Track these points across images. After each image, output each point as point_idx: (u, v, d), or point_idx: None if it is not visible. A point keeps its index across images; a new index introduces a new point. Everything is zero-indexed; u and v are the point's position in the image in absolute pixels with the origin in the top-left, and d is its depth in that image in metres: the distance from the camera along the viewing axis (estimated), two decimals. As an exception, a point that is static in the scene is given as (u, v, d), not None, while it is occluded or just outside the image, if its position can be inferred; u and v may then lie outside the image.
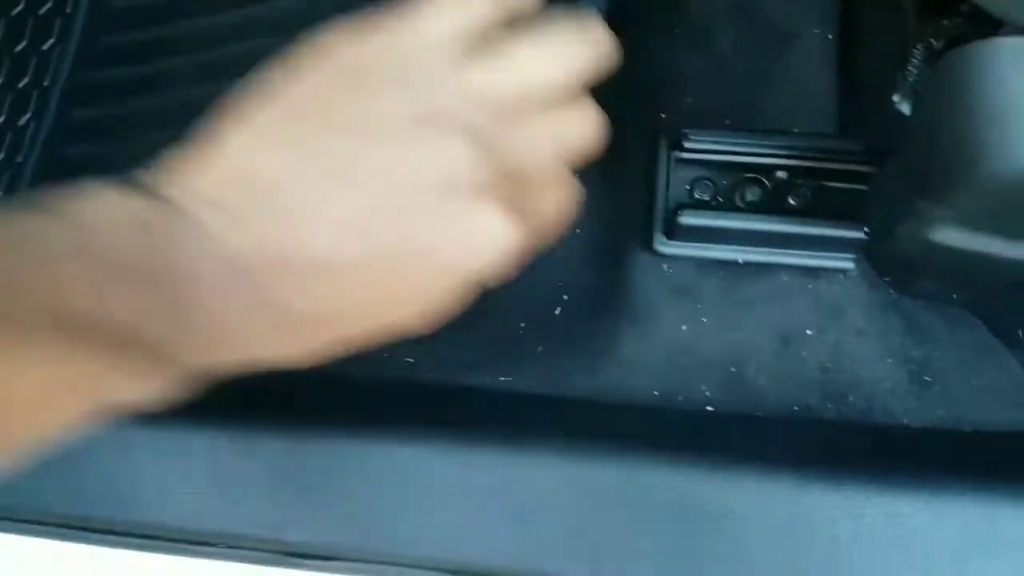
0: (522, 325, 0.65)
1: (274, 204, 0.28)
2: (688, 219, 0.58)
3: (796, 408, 0.56)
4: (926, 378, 0.57)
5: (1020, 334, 0.64)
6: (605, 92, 0.67)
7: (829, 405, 0.56)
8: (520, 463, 0.50)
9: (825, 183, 0.59)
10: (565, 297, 0.65)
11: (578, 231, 0.65)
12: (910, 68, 0.50)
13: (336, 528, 0.49)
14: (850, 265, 0.59)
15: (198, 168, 0.30)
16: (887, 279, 0.63)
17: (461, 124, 0.28)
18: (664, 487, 0.48)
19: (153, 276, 0.27)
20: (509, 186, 0.29)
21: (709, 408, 0.57)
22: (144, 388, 0.29)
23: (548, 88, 0.31)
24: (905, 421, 0.55)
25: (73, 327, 0.25)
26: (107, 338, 0.27)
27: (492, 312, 0.64)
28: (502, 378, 0.62)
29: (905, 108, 0.49)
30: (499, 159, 0.29)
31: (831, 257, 0.59)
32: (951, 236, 0.45)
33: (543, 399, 0.59)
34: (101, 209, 0.28)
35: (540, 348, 0.63)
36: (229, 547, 0.51)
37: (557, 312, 0.64)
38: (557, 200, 0.32)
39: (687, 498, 0.48)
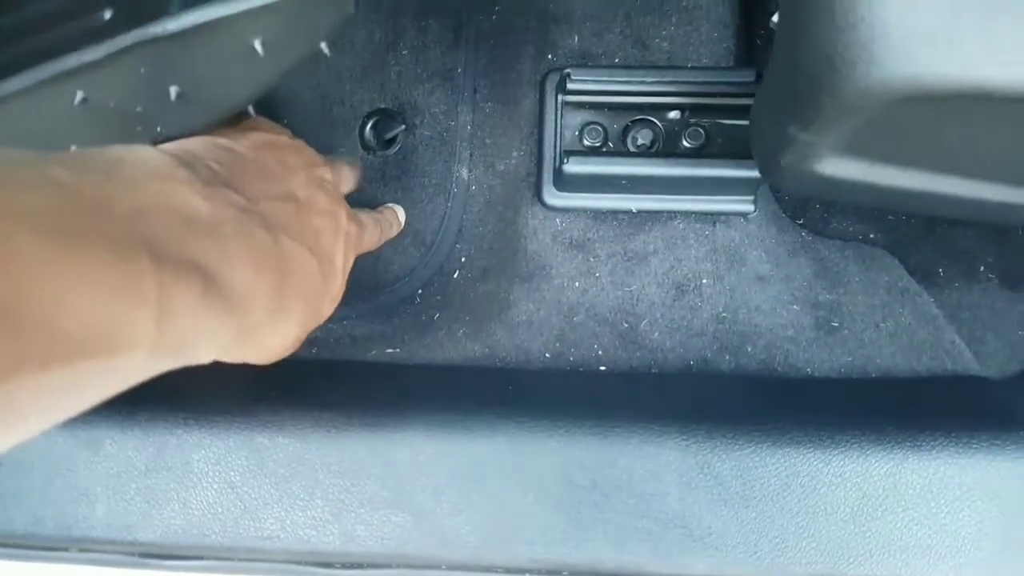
0: (419, 293, 0.60)
1: None
2: (574, 167, 0.53)
3: (692, 363, 0.52)
4: (833, 323, 0.53)
5: (941, 273, 0.61)
6: (489, 35, 0.63)
7: (727, 357, 0.52)
8: (397, 441, 0.46)
9: (720, 121, 0.54)
10: (463, 259, 0.60)
11: (473, 188, 0.61)
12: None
13: (192, 525, 0.45)
14: (750, 208, 0.55)
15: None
16: (800, 222, 0.59)
17: None
18: (553, 454, 0.44)
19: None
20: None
21: (602, 368, 0.53)
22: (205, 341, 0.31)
23: None
24: (808, 371, 0.52)
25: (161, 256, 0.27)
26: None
27: (388, 283, 0.60)
28: (389, 350, 0.57)
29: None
30: None
31: (729, 200, 0.55)
32: (836, 166, 0.41)
33: (431, 370, 0.55)
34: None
35: (436, 315, 0.59)
36: (80, 551, 0.47)
37: (455, 276, 0.60)
38: None
39: (578, 464, 0.44)
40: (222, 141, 0.38)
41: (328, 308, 0.44)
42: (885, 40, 0.31)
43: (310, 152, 0.44)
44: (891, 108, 0.33)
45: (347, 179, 0.51)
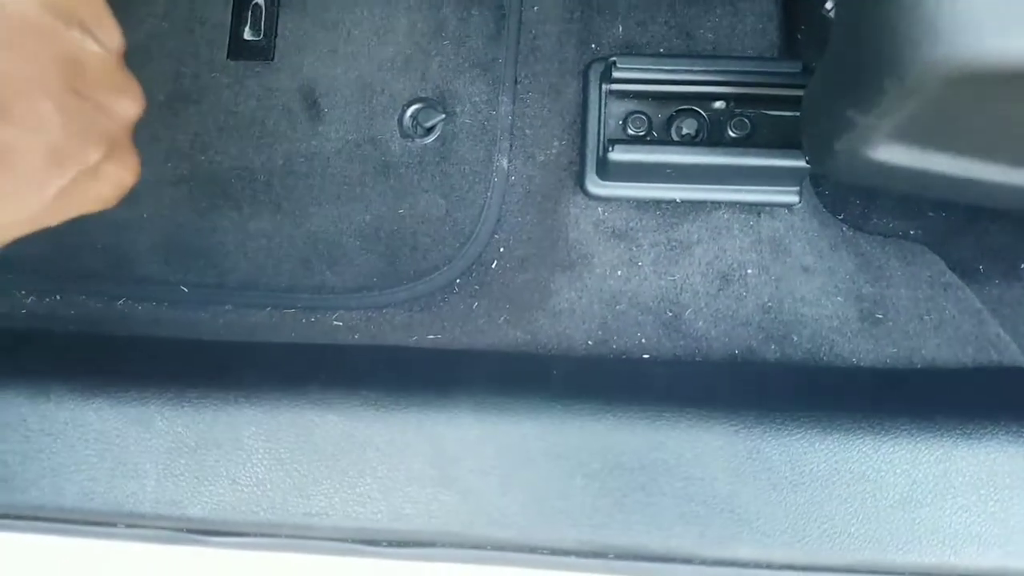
0: (457, 282, 0.61)
1: None
2: (619, 155, 0.53)
3: (737, 352, 0.52)
4: (877, 315, 0.53)
5: (981, 269, 0.61)
6: (531, 25, 0.64)
7: (772, 347, 0.52)
8: (444, 421, 0.46)
9: (766, 111, 0.55)
10: (501, 249, 0.61)
11: (512, 178, 0.61)
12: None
13: (241, 502, 0.45)
14: (795, 199, 0.55)
15: None
16: (840, 216, 0.59)
17: None
18: (600, 437, 0.44)
19: None
20: None
21: (645, 356, 0.53)
22: None
23: None
24: (854, 361, 0.52)
25: None
26: None
27: (427, 271, 0.61)
28: (431, 336, 0.58)
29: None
30: None
31: (774, 191, 0.55)
32: (890, 152, 0.41)
33: (473, 355, 0.56)
34: None
35: (475, 304, 0.60)
36: (128, 527, 0.47)
37: (494, 266, 0.61)
38: None
39: (625, 447, 0.44)
40: None
41: None
42: (951, 17, 0.31)
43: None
44: (954, 88, 0.33)
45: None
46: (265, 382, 0.48)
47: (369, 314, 0.60)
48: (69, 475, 0.47)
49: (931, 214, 0.60)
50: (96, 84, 0.32)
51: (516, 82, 0.62)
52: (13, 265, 0.60)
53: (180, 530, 0.46)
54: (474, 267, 0.61)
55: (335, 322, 0.60)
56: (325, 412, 0.46)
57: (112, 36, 0.33)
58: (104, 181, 0.34)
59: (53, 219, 0.33)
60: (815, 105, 0.43)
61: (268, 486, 0.45)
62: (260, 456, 0.45)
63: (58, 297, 0.61)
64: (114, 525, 0.47)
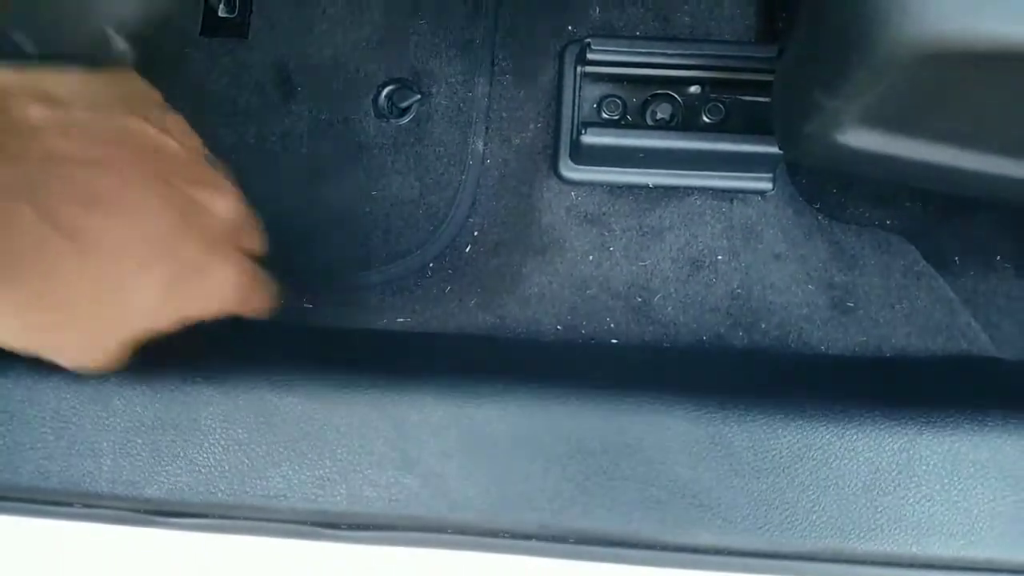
0: (431, 266, 0.60)
1: None
2: (591, 138, 0.53)
3: (705, 338, 0.52)
4: (848, 303, 0.53)
5: (956, 261, 0.60)
6: (508, 6, 0.63)
7: (740, 333, 0.52)
8: (407, 404, 0.46)
9: (741, 97, 0.54)
10: (475, 233, 0.60)
11: (487, 161, 0.61)
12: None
13: (198, 483, 0.45)
14: (768, 186, 0.55)
15: None
16: (816, 206, 0.59)
17: None
18: (563, 420, 0.44)
19: None
20: None
21: (614, 340, 0.52)
22: None
23: None
24: (823, 348, 0.51)
25: None
26: None
27: (399, 254, 0.60)
28: (400, 319, 0.57)
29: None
30: None
31: (747, 178, 0.54)
32: (859, 137, 0.41)
33: (441, 338, 0.55)
34: None
35: (447, 288, 0.59)
36: (84, 507, 0.46)
37: (467, 250, 0.60)
38: None
39: (588, 430, 0.43)
40: (80, 115, 0.32)
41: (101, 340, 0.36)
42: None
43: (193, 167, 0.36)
44: (920, 69, 0.33)
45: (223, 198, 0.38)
46: (224, 363, 0.47)
47: (339, 297, 0.59)
48: (24, 453, 0.46)
49: (908, 204, 0.60)
50: (180, 173, 0.35)
51: (493, 64, 0.61)
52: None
53: (137, 511, 0.45)
54: (447, 251, 0.60)
55: (304, 304, 0.59)
56: (285, 394, 0.45)
57: (187, 138, 0.37)
58: (213, 279, 0.36)
59: (168, 316, 0.36)
60: (784, 87, 0.42)
61: (226, 467, 0.44)
62: (217, 437, 0.44)
63: None
64: (70, 505, 0.46)
